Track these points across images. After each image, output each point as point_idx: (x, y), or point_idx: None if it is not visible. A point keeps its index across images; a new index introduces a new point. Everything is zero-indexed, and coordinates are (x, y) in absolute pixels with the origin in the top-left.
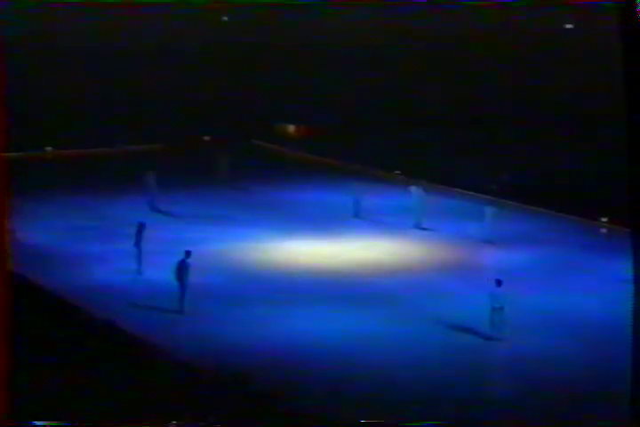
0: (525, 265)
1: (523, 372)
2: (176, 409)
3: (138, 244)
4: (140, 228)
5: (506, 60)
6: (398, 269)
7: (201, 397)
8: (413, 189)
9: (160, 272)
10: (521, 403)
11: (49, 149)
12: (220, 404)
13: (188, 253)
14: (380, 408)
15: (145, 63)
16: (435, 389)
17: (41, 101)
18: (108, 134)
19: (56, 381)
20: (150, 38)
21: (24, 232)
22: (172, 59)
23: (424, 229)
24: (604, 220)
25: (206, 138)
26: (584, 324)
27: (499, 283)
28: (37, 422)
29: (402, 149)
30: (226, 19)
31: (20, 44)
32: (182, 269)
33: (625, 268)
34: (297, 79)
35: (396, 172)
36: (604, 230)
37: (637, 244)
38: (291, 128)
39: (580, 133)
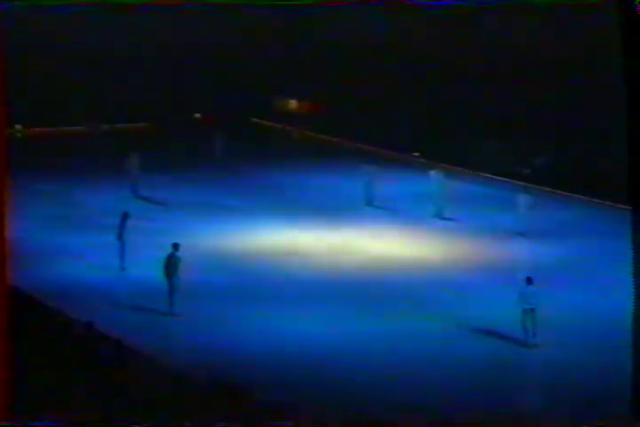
0: (561, 260)
1: (550, 378)
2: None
3: (121, 236)
4: (124, 218)
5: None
6: (416, 265)
7: (194, 405)
8: (433, 173)
9: (145, 268)
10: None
11: (18, 127)
12: (215, 413)
13: (176, 246)
14: (396, 415)
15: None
16: (454, 397)
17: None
18: (84, 111)
19: (27, 386)
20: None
21: None
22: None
23: (445, 219)
24: None
25: (197, 115)
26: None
27: (529, 281)
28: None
29: (420, 128)
30: None
31: None
32: (171, 264)
33: None
34: (300, 49)
35: (414, 154)
36: None
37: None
38: (293, 104)
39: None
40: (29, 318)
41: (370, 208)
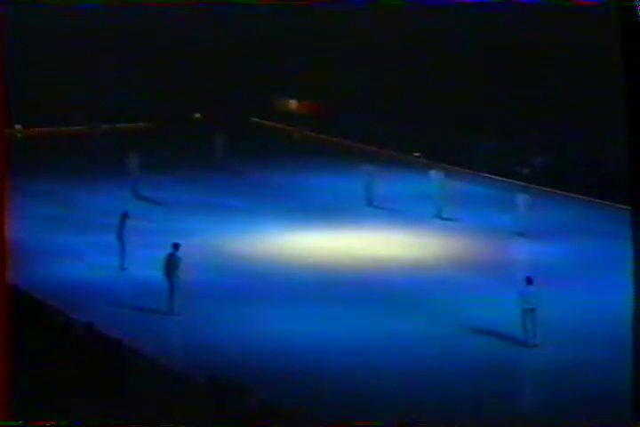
0: (561, 260)
1: (550, 378)
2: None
3: (121, 236)
4: (124, 218)
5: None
6: (416, 265)
7: (194, 405)
8: (434, 173)
9: (145, 268)
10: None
11: (18, 127)
12: (215, 413)
13: (176, 246)
14: (397, 415)
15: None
16: (454, 397)
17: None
18: (84, 111)
19: (27, 386)
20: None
21: None
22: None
23: (445, 219)
24: None
25: (197, 115)
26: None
27: (529, 281)
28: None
29: (421, 128)
30: None
31: None
32: (172, 264)
33: None
34: (300, 47)
35: (415, 154)
36: None
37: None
38: (293, 104)
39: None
40: (29, 318)
41: (370, 208)
